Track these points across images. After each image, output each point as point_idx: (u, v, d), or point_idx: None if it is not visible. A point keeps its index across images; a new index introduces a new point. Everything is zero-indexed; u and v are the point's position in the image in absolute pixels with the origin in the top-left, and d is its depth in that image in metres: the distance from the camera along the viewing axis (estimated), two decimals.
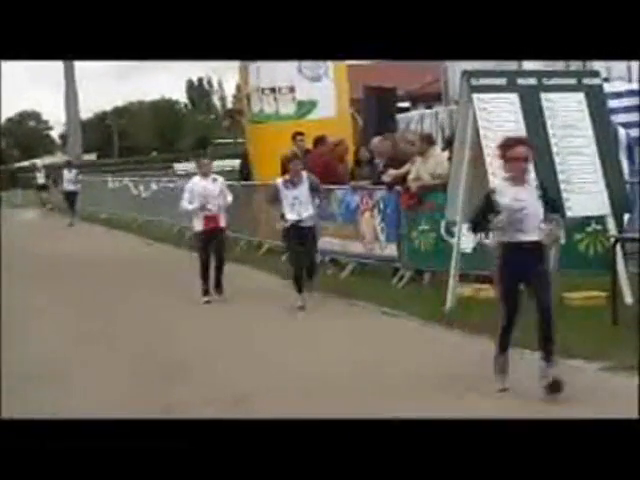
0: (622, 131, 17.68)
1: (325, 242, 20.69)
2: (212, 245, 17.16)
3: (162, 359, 13.09)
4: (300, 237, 15.88)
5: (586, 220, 15.58)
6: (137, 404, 10.50)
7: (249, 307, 16.84)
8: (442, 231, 16.93)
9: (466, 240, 15.67)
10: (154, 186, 39.96)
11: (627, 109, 18.82)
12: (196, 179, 17.43)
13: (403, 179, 18.64)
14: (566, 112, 15.67)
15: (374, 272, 19.56)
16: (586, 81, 16.48)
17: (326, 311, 16.68)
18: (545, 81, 16.34)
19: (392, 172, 19.01)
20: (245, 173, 26.96)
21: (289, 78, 24.67)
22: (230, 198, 17.69)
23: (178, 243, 29.34)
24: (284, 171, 18.40)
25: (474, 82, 15.74)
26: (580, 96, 15.82)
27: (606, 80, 18.68)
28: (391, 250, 18.76)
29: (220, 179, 17.83)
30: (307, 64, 24.30)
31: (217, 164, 28.46)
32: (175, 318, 16.14)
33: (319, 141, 22.34)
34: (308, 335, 14.72)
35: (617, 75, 21.75)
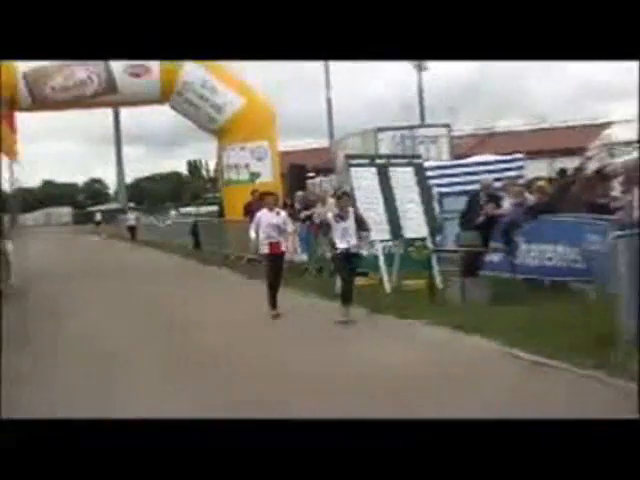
0: (435, 189, 19.22)
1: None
2: (274, 267, 15.73)
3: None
4: (347, 261, 14.53)
5: (414, 240, 17.53)
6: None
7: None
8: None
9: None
10: (168, 221, 52.65)
11: (438, 177, 20.44)
12: (263, 212, 15.92)
13: (310, 216, 21.76)
14: (403, 179, 17.80)
15: (296, 270, 21.09)
16: (414, 161, 19.06)
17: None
18: (391, 160, 19.01)
19: (305, 212, 22.02)
20: (220, 213, 32.44)
21: (245, 159, 29.37)
22: (291, 227, 16.53)
23: (186, 255, 33.81)
24: (246, 212, 22.28)
25: (351, 161, 18.45)
26: (411, 169, 18.21)
27: (425, 160, 20.59)
28: (304, 257, 21.66)
29: (283, 213, 16.39)
30: (256, 150, 28.92)
31: (205, 209, 32.41)
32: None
33: (261, 194, 25.98)
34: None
35: (432, 156, 24.09)
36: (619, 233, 10.15)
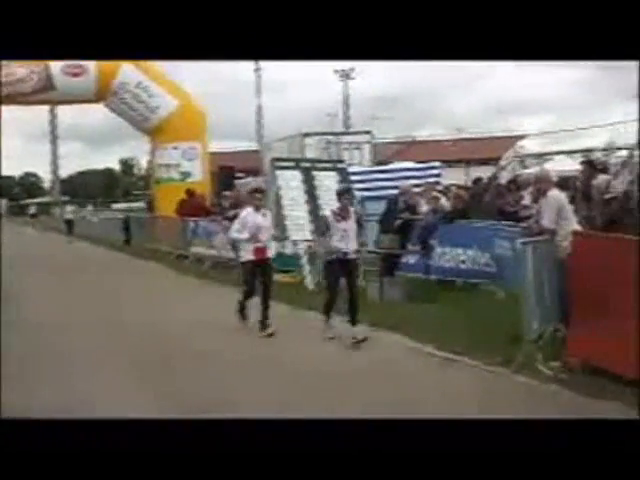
0: (357, 193, 18.06)
1: (196, 249, 23.60)
2: (259, 276, 13.02)
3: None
4: (344, 268, 12.07)
5: None
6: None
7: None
8: None
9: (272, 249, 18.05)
10: (101, 216, 53.12)
11: (360, 181, 20.24)
12: (249, 211, 13.15)
13: (237, 216, 21.02)
14: (327, 182, 17.95)
15: (222, 266, 21.30)
16: (338, 165, 19.39)
17: (192, 286, 19.06)
18: (316, 164, 19.23)
19: (232, 212, 20.67)
20: (150, 209, 32.52)
21: (176, 158, 29.60)
22: (272, 232, 13.76)
23: (116, 248, 33.60)
24: (180, 211, 22.55)
25: (277, 164, 18.56)
26: (334, 173, 18.49)
27: (348, 165, 20.99)
28: (231, 254, 19.78)
29: (269, 214, 13.74)
30: (187, 151, 29.29)
31: (136, 205, 32.16)
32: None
33: (192, 193, 26.34)
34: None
35: (355, 162, 24.23)
36: (526, 240, 10.25)
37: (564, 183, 15.38)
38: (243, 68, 41.94)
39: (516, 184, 17.51)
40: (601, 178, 12.86)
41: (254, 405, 8.29)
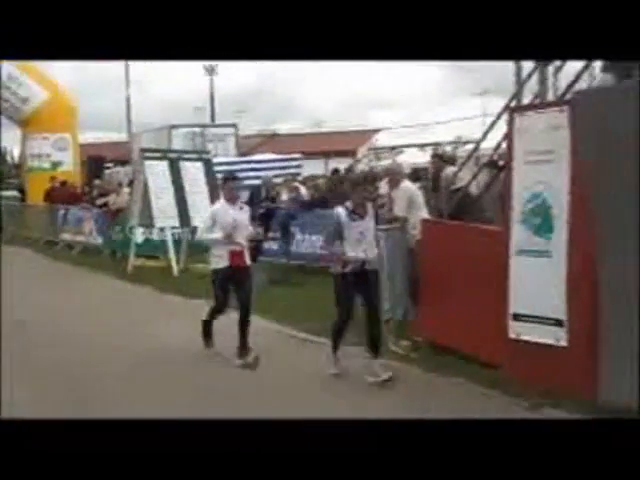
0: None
1: (65, 235, 23.06)
2: (235, 286, 9.79)
3: None
4: (363, 282, 8.66)
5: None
6: None
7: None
8: (127, 231, 18.37)
9: (139, 236, 18.01)
10: None
11: (224, 171, 19.99)
12: (222, 205, 9.87)
13: (106, 203, 21.32)
14: (193, 172, 17.86)
15: (91, 251, 21.29)
16: (203, 156, 19.17)
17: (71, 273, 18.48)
18: (182, 155, 19.04)
19: (101, 200, 21.67)
20: (22, 198, 30.63)
21: (47, 149, 29.18)
22: (251, 229, 10.31)
23: None
24: (47, 198, 21.74)
25: (145, 154, 18.27)
26: (200, 164, 18.27)
27: (213, 156, 21.04)
28: (99, 240, 21.10)
29: (247, 207, 10.35)
30: (58, 141, 28.59)
31: (10, 193, 30.87)
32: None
33: (63, 182, 26.23)
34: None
35: (220, 153, 24.13)
36: (380, 227, 10.27)
37: (416, 174, 15.70)
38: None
39: (372, 175, 17.69)
40: (449, 170, 13.06)
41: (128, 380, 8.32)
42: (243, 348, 9.60)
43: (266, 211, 16.58)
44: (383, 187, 14.05)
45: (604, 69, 8.25)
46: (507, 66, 9.52)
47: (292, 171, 20.28)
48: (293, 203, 16.74)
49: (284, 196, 17.40)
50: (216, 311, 10.02)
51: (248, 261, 9.92)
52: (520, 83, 9.46)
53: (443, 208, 11.22)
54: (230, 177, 10.26)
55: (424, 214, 10.81)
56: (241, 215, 9.85)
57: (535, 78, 9.10)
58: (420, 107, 75.24)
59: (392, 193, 11.57)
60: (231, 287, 9.80)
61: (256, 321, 11.55)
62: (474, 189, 11.44)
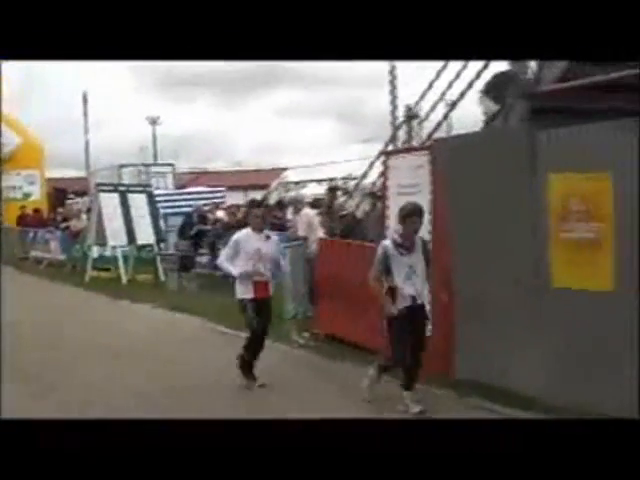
0: (162, 210, 18.74)
1: (35, 253, 22.19)
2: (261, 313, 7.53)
3: None
4: (415, 319, 6.51)
5: (145, 245, 17.30)
6: None
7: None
8: (85, 248, 17.76)
9: (95, 252, 17.54)
10: None
11: (164, 201, 19.64)
12: (247, 233, 7.52)
13: (68, 227, 20.80)
14: (139, 202, 17.70)
15: (56, 265, 20.35)
16: (147, 189, 18.91)
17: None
18: (129, 188, 18.74)
19: (64, 224, 21.18)
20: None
21: (20, 182, 28.55)
22: (284, 263, 8.68)
23: None
24: (18, 222, 20.96)
25: (100, 188, 18.09)
26: (144, 195, 18.12)
27: (155, 189, 20.65)
28: (62, 256, 20.19)
29: (274, 237, 7.91)
30: (28, 177, 28.30)
31: None
32: None
33: (37, 210, 25.76)
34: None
35: (161, 187, 23.67)
36: (287, 244, 10.33)
37: (316, 203, 15.72)
38: (76, 109, 40.49)
39: (281, 203, 17.70)
40: (340, 199, 13.16)
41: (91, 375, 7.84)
42: (250, 371, 7.50)
43: (197, 232, 16.35)
44: (289, 213, 14.11)
45: (485, 92, 8.11)
46: (385, 117, 9.74)
47: (217, 201, 19.97)
48: (218, 225, 16.59)
49: (211, 220, 17.08)
50: (253, 341, 7.47)
51: (271, 292, 7.60)
52: (393, 133, 9.68)
53: (335, 229, 11.29)
54: (256, 204, 7.79)
55: (320, 234, 10.78)
56: (266, 245, 7.43)
57: (404, 129, 9.34)
58: (319, 151, 76.06)
59: (296, 217, 11.67)
60: (255, 313, 7.41)
61: (188, 319, 11.66)
62: (359, 214, 11.57)
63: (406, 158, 8.05)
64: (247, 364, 7.53)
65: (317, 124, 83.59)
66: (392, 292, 6.44)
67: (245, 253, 7.34)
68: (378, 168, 10.00)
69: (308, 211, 11.63)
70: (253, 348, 7.48)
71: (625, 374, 5.39)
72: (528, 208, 6.40)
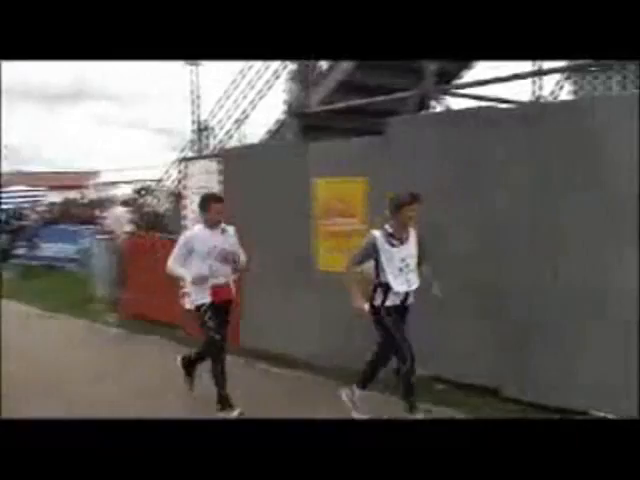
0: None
1: None
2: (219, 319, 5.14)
3: None
4: (403, 318, 4.60)
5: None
6: None
7: None
8: None
9: None
10: None
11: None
12: (199, 230, 5.11)
13: None
14: None
15: None
16: None
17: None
18: None
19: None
20: None
21: None
22: (244, 257, 5.27)
23: None
24: None
25: None
26: None
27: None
28: None
29: (231, 229, 5.21)
30: None
31: None
32: None
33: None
34: None
35: None
36: (98, 237, 9.85)
37: (127, 201, 15.04)
38: None
39: (95, 201, 16.75)
40: (146, 198, 12.55)
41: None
42: (225, 397, 5.02)
43: (16, 227, 14.90)
44: (102, 210, 13.22)
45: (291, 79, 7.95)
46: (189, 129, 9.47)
47: (38, 200, 18.23)
48: (35, 221, 15.29)
49: (30, 216, 15.59)
50: (212, 345, 5.07)
51: (232, 293, 5.27)
52: (189, 143, 9.40)
53: (141, 224, 10.80)
54: (213, 198, 5.30)
55: (127, 228, 9.89)
56: (223, 240, 5.14)
57: (199, 139, 9.12)
58: (133, 157, 72.10)
59: (108, 214, 10.79)
60: (214, 319, 5.10)
61: (13, 305, 10.43)
62: (161, 210, 11.08)
63: (200, 163, 7.91)
64: (192, 364, 5.53)
65: (132, 134, 79.36)
66: (382, 289, 4.55)
67: (199, 253, 5.07)
68: (181, 172, 9.68)
69: (118, 208, 10.88)
70: (219, 357, 5.06)
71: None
72: (300, 206, 6.43)
